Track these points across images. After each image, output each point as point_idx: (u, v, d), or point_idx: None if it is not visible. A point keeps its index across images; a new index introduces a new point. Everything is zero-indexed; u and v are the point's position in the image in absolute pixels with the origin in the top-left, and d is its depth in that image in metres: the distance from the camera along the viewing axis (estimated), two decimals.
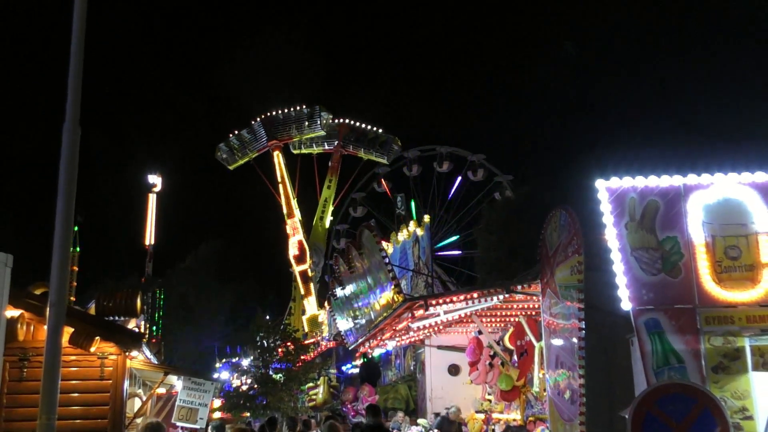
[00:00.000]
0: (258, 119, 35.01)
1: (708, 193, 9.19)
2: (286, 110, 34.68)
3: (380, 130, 34.07)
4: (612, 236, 9.11)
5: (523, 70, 73.54)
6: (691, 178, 9.27)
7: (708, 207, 9.10)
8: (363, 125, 34.33)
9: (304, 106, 34.54)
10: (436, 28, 79.93)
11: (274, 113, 34.75)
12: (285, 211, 36.23)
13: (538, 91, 72.83)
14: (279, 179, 36.04)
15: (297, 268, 36.35)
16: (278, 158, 35.64)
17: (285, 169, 35.88)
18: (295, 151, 35.80)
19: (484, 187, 36.14)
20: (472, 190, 36.21)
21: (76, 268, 27.51)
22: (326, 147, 35.35)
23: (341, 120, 34.85)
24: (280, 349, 21.65)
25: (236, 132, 35.40)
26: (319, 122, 34.43)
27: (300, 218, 36.17)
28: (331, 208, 36.64)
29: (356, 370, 26.04)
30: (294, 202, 36.06)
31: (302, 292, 36.63)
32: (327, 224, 36.42)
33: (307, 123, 34.54)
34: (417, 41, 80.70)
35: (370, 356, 22.02)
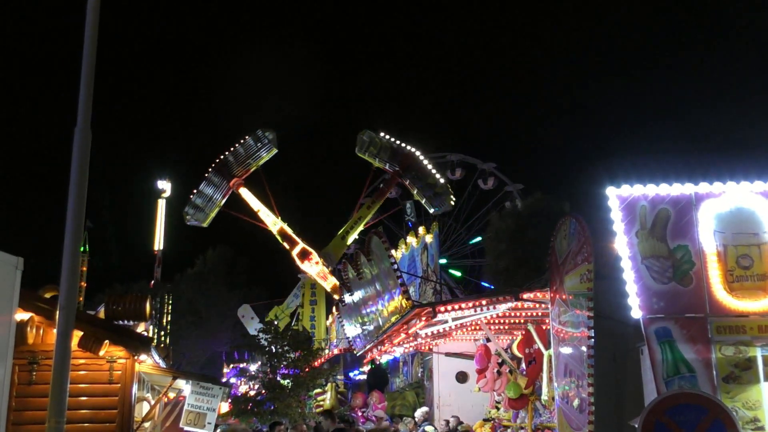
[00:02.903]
0: (210, 169, 34.47)
1: (720, 201, 9.13)
2: (231, 149, 34.27)
3: (442, 180, 32.51)
4: (622, 244, 9.06)
5: (529, 77, 73.48)
6: (703, 187, 9.22)
7: (720, 216, 9.05)
8: (429, 166, 32.72)
9: (247, 137, 34.08)
10: (439, 34, 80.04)
11: (221, 157, 34.29)
12: (274, 231, 35.77)
13: (544, 98, 72.72)
14: (256, 209, 35.65)
15: (311, 270, 35.86)
16: (245, 193, 35.17)
17: (257, 197, 35.19)
18: (359, 154, 34.98)
19: (494, 196, 36.05)
20: (482, 198, 36.18)
21: (85, 269, 27.59)
22: (387, 167, 34.07)
23: (411, 148, 33.59)
24: (291, 355, 21.64)
25: (195, 191, 34.81)
26: (268, 142, 33.88)
27: (289, 231, 35.34)
28: (360, 228, 35.83)
29: (364, 377, 26.06)
30: (278, 220, 35.51)
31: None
32: (349, 242, 35.71)
33: (256, 149, 33.95)
34: (422, 46, 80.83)
35: (377, 363, 22.01)
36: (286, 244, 35.53)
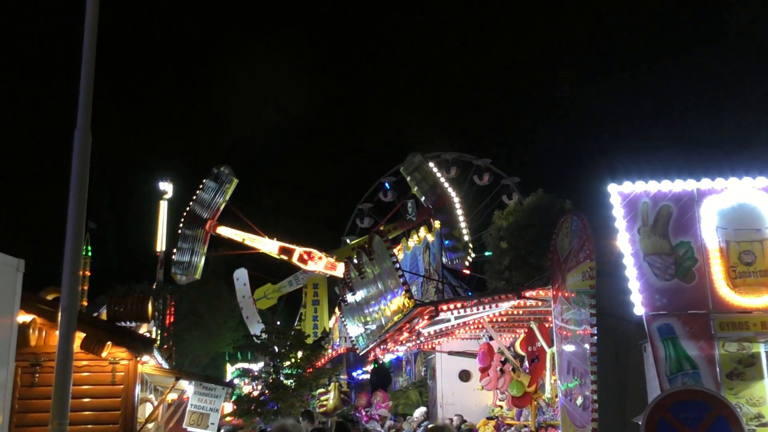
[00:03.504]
0: (181, 225, 34.20)
1: (722, 197, 9.11)
2: (194, 197, 34.12)
3: (466, 237, 30.24)
4: (624, 241, 9.05)
5: (529, 75, 73.40)
6: (705, 183, 9.20)
7: (722, 212, 9.03)
8: (461, 218, 31.43)
9: (205, 180, 33.93)
10: (439, 34, 79.93)
11: (188, 209, 34.10)
12: (268, 250, 35.83)
13: (544, 96, 72.60)
14: (240, 239, 35.68)
15: (317, 268, 35.86)
16: (223, 231, 35.18)
17: (237, 230, 35.37)
18: (404, 173, 34.55)
19: (491, 191, 35.95)
20: (480, 195, 36.07)
21: (88, 273, 27.57)
22: (423, 199, 32.92)
23: (452, 193, 32.89)
24: (292, 356, 21.67)
25: (175, 249, 34.36)
26: (226, 177, 33.77)
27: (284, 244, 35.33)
28: None
29: (367, 376, 26.02)
30: (267, 239, 35.61)
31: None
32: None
33: (217, 187, 33.81)
34: (422, 46, 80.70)
35: (380, 362, 21.99)
36: (284, 257, 35.62)
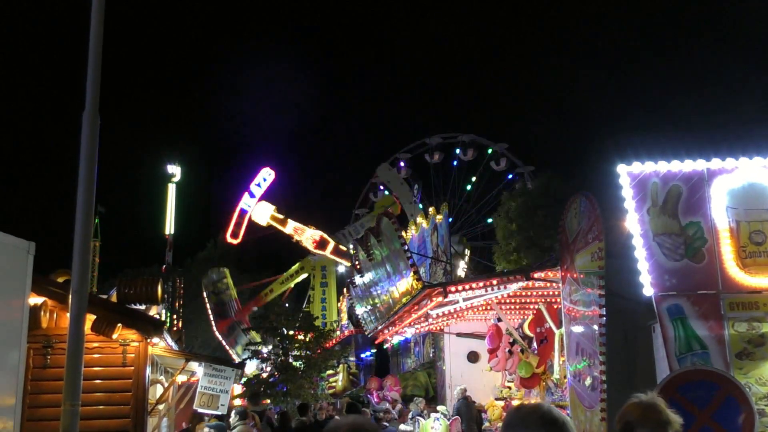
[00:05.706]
0: (223, 341, 34.63)
1: (732, 177, 9.04)
2: (210, 314, 34.64)
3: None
4: (633, 222, 9.01)
5: (537, 58, 72.81)
6: (715, 163, 9.13)
7: (732, 191, 8.96)
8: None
9: (205, 294, 34.76)
10: (447, 18, 79.36)
11: (217, 327, 34.64)
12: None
13: (554, 77, 72.08)
14: (269, 291, 36.65)
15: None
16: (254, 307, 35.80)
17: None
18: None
19: (504, 178, 35.85)
20: (492, 180, 36.03)
21: (98, 260, 27.68)
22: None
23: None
24: (300, 336, 21.76)
25: (238, 360, 30.94)
26: (218, 276, 35.28)
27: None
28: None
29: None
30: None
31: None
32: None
33: (221, 287, 34.99)
34: (428, 29, 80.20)
35: (386, 346, 22.06)
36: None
